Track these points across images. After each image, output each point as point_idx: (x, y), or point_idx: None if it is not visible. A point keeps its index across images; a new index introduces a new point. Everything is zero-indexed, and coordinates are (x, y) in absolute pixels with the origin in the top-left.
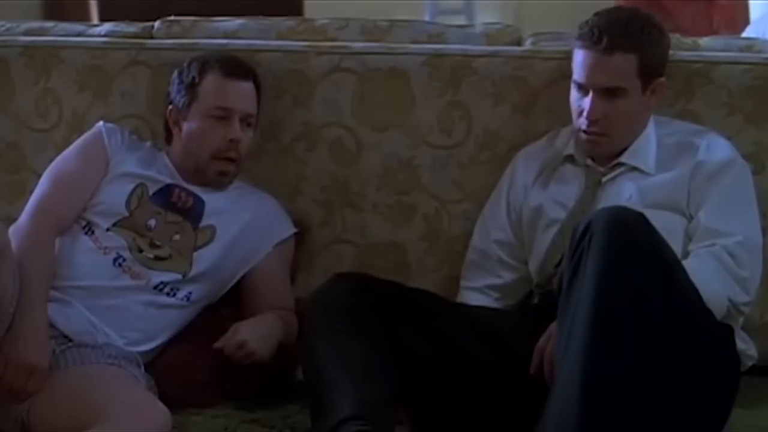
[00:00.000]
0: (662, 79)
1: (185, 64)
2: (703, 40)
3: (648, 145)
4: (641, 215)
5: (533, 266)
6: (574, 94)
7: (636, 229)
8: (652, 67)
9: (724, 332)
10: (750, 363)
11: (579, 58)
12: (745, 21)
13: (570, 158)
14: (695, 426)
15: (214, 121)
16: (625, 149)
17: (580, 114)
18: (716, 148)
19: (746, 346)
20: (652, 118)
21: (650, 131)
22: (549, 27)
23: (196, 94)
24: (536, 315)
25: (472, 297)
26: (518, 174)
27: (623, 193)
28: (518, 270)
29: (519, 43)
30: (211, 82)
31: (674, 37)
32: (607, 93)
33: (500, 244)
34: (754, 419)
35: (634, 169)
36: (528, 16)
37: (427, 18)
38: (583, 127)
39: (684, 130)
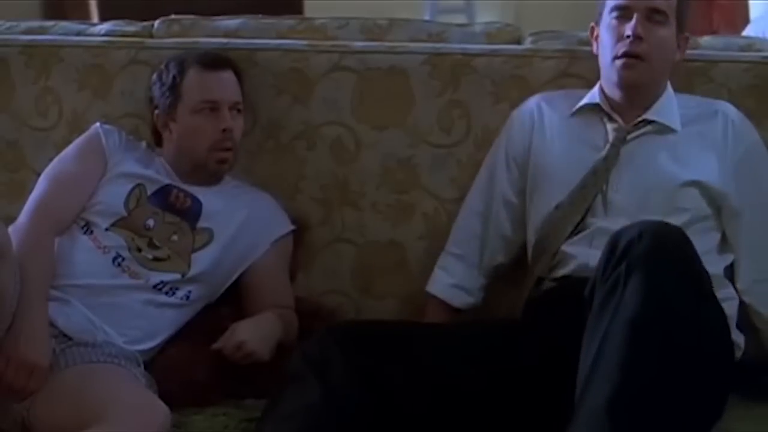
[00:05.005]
0: (687, 35)
1: (163, 67)
2: (703, 39)
3: (671, 104)
4: (682, 233)
5: (535, 222)
6: (611, 24)
7: (679, 250)
8: (684, 14)
9: (725, 324)
10: (738, 353)
11: None
12: (745, 20)
13: (589, 110)
14: (697, 419)
15: (203, 115)
16: (648, 109)
17: (619, 39)
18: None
19: (736, 336)
20: (669, 85)
21: (671, 92)
22: (549, 26)
23: (179, 94)
24: (526, 329)
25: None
26: (515, 127)
27: (652, 154)
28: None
29: (519, 42)
30: (192, 78)
31: None
32: (651, 15)
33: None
34: (751, 417)
35: (659, 129)
36: (528, 14)
37: (426, 17)
38: (624, 49)
39: (700, 102)
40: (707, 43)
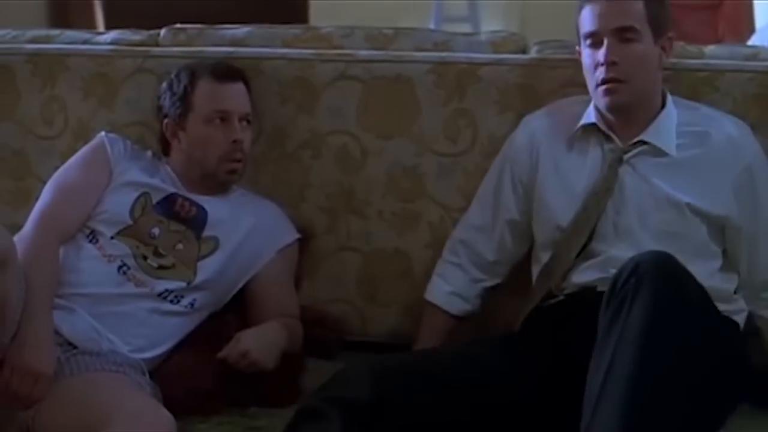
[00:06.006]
0: (671, 34)
1: (173, 76)
2: (708, 48)
3: (669, 123)
4: (677, 260)
5: (542, 243)
6: (587, 53)
7: (680, 268)
8: (659, 18)
9: (736, 334)
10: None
11: (587, 12)
12: (751, 29)
13: (588, 130)
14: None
15: (214, 125)
16: (645, 127)
17: (596, 67)
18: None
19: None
20: (671, 99)
21: (671, 109)
22: (554, 35)
23: (190, 104)
24: (531, 341)
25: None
26: (518, 150)
27: (650, 176)
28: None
29: (524, 51)
30: (204, 88)
31: (679, 45)
32: (620, 35)
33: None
34: (755, 425)
35: (655, 151)
36: (533, 23)
37: (432, 25)
38: (602, 76)
39: (703, 117)
40: (712, 53)
